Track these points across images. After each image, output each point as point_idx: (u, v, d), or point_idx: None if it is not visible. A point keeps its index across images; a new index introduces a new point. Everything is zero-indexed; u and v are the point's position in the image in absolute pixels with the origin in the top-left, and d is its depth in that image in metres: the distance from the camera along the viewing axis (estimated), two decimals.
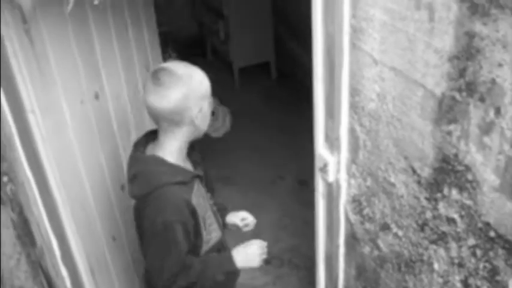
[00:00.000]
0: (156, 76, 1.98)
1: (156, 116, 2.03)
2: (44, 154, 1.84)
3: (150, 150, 2.15)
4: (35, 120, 1.78)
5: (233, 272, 2.50)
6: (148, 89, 1.98)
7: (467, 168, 1.62)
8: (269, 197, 4.56)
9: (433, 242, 1.91)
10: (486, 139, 1.51)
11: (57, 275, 1.80)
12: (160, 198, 2.03)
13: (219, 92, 6.05)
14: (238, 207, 4.48)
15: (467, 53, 1.48)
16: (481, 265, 1.70)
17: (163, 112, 2.00)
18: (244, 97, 5.94)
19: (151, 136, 2.20)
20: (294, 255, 3.95)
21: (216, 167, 4.88)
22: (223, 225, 2.68)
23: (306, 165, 4.73)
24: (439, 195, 1.79)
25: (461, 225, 1.73)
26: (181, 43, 6.64)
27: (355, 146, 2.19)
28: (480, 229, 1.65)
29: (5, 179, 1.26)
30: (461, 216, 1.72)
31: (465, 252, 1.75)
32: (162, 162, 2.08)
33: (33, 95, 1.83)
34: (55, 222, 1.89)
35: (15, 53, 1.79)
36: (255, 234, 4.23)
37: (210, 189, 2.52)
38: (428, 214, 1.88)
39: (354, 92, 2.07)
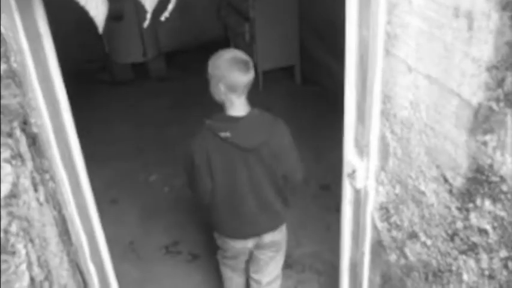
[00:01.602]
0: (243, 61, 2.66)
1: (248, 86, 2.70)
2: (76, 153, 1.86)
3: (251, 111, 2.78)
4: (69, 120, 1.81)
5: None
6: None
7: (502, 179, 1.60)
8: (291, 201, 4.55)
9: (463, 252, 1.89)
10: None
11: (87, 272, 1.83)
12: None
13: None
14: None
15: (506, 62, 1.47)
16: None
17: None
18: (268, 100, 5.91)
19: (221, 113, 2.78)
20: (315, 260, 3.93)
21: None
22: None
23: (328, 170, 4.73)
24: (471, 205, 1.77)
25: (493, 237, 1.72)
26: (205, 45, 6.67)
27: (385, 153, 2.17)
28: None
29: (47, 176, 1.28)
30: (494, 228, 1.70)
31: (496, 264, 1.73)
32: None
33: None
34: (85, 220, 1.91)
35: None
36: None
37: None
38: (459, 224, 1.86)
39: (386, 99, 2.06)
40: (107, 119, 5.65)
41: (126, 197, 4.65)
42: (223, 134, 2.64)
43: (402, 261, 2.29)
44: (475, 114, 1.63)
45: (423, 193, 2.01)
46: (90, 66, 6.42)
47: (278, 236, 3.11)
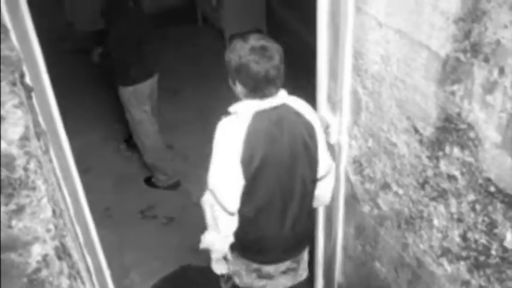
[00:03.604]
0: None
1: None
2: (57, 117, 1.90)
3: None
4: (47, 80, 1.83)
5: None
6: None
7: (470, 126, 1.69)
8: None
9: (433, 199, 1.99)
10: (489, 98, 1.58)
11: (75, 234, 1.88)
12: None
13: (209, 58, 6.07)
14: None
15: (473, 15, 1.54)
16: (480, 219, 1.78)
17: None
18: None
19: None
20: None
21: (212, 130, 4.93)
22: None
23: None
24: (440, 153, 1.87)
25: (461, 182, 1.82)
26: (171, 9, 6.62)
27: (357, 108, 2.25)
28: (480, 185, 1.73)
29: (40, 130, 1.33)
30: (462, 173, 1.80)
31: (465, 207, 1.84)
32: None
33: None
34: (69, 184, 1.97)
35: None
36: None
37: None
38: (430, 172, 1.96)
39: (358, 55, 2.12)
40: (73, 88, 5.59)
41: (98, 166, 4.66)
42: None
43: (375, 211, 2.39)
44: (444, 66, 1.71)
45: (395, 145, 2.10)
46: (50, 35, 6.30)
47: None
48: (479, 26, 1.53)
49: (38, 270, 0.74)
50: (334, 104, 2.33)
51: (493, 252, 1.76)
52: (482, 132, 1.64)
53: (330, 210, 2.72)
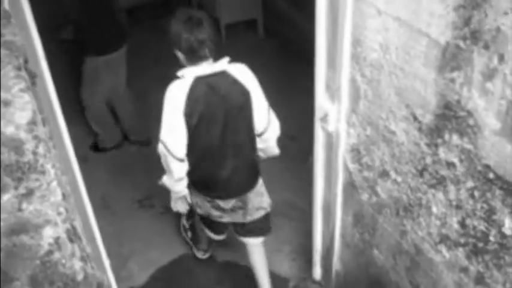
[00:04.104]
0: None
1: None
2: (56, 104, 1.89)
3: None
4: (46, 69, 1.83)
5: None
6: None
7: (469, 113, 1.70)
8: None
9: (431, 186, 2.00)
10: (489, 85, 1.59)
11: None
12: None
13: None
14: None
15: (473, 1, 1.54)
16: (479, 206, 1.80)
17: None
18: (231, 54, 5.90)
19: None
20: (287, 208, 4.03)
21: None
22: None
23: (294, 120, 4.81)
24: (439, 140, 1.88)
25: (460, 169, 1.83)
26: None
27: (355, 96, 2.26)
28: (479, 172, 1.74)
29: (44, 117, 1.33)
30: (461, 160, 1.81)
31: (463, 194, 1.85)
32: None
33: None
34: (69, 172, 1.97)
35: None
36: None
37: None
38: (428, 159, 1.97)
39: (356, 42, 2.13)
40: (70, 77, 5.58)
41: (95, 155, 4.66)
42: None
43: (374, 199, 2.40)
44: (443, 53, 1.72)
45: (393, 132, 2.11)
46: (49, 22, 6.26)
47: None
48: (479, 12, 1.54)
49: (50, 252, 0.75)
50: (332, 92, 2.33)
51: (492, 238, 1.78)
52: (482, 119, 1.65)
53: (328, 198, 2.73)
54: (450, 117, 1.78)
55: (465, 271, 1.96)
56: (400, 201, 2.22)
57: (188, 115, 2.53)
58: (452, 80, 1.72)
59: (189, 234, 3.75)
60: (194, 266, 3.68)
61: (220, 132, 2.65)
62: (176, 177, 2.72)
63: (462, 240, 1.93)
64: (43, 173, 0.80)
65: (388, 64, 1.99)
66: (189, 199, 2.98)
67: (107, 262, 2.34)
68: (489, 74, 1.58)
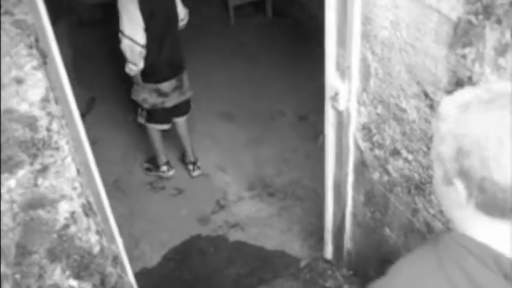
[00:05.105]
0: None
1: None
2: (66, 84, 1.90)
3: None
4: (56, 50, 1.84)
5: None
6: None
7: None
8: (270, 132, 4.63)
9: None
10: (501, 60, 1.58)
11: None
12: None
13: (213, 28, 6.04)
14: (239, 142, 4.58)
15: None
16: None
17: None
18: (240, 34, 5.91)
19: None
20: (296, 187, 4.05)
21: (216, 102, 4.93)
22: None
23: (305, 100, 4.81)
24: None
25: None
26: None
27: (366, 74, 2.25)
28: None
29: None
30: None
31: None
32: None
33: None
34: (80, 151, 1.98)
35: None
36: (257, 166, 4.34)
37: None
38: None
39: (366, 20, 2.11)
40: (79, 60, 5.59)
41: (106, 137, 4.67)
42: None
43: (385, 178, 2.40)
44: (455, 29, 1.70)
45: (404, 110, 2.10)
46: (52, 4, 6.24)
47: None
48: None
49: (66, 226, 0.76)
50: (343, 71, 2.32)
51: None
52: None
53: (339, 177, 2.73)
54: None
55: None
56: (412, 180, 2.22)
57: (142, 12, 3.30)
58: (464, 56, 1.70)
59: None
60: (206, 247, 3.71)
61: (163, 27, 3.51)
62: (140, 66, 3.50)
63: None
64: (57, 149, 0.81)
65: (399, 41, 1.98)
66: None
67: (119, 241, 2.35)
68: (501, 50, 1.56)
